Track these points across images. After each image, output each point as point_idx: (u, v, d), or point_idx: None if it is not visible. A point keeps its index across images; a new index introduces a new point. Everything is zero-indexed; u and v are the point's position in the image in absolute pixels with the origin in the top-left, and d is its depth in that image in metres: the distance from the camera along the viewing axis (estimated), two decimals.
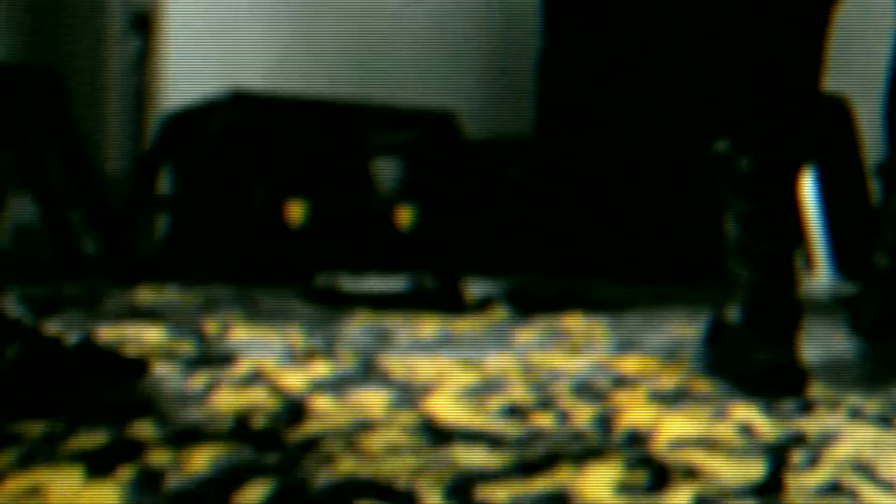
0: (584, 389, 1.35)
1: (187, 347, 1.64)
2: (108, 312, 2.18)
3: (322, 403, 1.19)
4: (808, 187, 2.34)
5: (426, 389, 1.31)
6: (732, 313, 1.42)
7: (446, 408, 1.19)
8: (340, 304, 2.35)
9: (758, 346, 1.36)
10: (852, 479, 0.91)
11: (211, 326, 1.92)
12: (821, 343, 1.87)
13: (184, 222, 3.01)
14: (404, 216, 2.68)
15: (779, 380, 1.32)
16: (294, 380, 1.35)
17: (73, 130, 2.66)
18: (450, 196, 2.62)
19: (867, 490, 0.88)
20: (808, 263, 2.57)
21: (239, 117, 2.93)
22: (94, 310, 2.21)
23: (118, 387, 1.01)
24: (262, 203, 2.86)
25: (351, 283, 2.54)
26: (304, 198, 2.84)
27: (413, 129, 2.66)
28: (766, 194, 1.39)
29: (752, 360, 1.34)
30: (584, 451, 0.99)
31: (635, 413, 1.19)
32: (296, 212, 2.85)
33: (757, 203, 1.40)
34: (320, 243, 2.83)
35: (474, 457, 0.95)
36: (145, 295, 2.51)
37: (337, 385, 1.33)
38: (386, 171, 2.86)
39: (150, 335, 1.77)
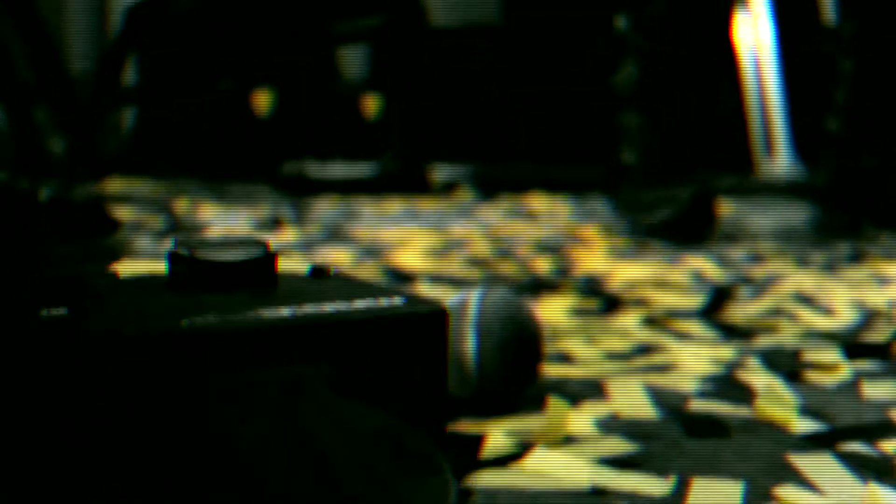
0: (545, 247, 1.40)
1: (158, 222, 1.67)
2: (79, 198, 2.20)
3: (289, 261, 1.23)
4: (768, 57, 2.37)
5: (391, 248, 1.36)
6: (628, 156, 1.51)
7: (411, 260, 1.24)
8: (308, 189, 2.38)
9: (652, 187, 1.46)
10: (793, 307, 0.97)
11: (180, 205, 1.95)
12: (776, 215, 1.93)
13: (150, 115, 3.01)
14: (371, 104, 2.70)
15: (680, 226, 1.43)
16: None
17: (40, 25, 2.64)
18: (415, 83, 2.64)
19: (806, 314, 0.94)
20: (770, 149, 2.62)
21: (202, 4, 2.91)
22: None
23: (89, 239, 1.06)
24: (228, 92, 2.87)
25: (318, 170, 2.56)
26: (270, 87, 2.85)
27: (379, 14, 2.67)
28: (680, 38, 1.46)
29: (646, 204, 1.45)
30: (542, 285, 1.04)
31: (593, 263, 1.24)
32: (263, 101, 2.86)
33: (666, 47, 1.46)
34: (287, 132, 2.85)
35: (437, 292, 0.99)
36: (115, 185, 2.53)
37: (305, 246, 1.37)
38: (353, 58, 2.86)
39: (121, 213, 1.80)
